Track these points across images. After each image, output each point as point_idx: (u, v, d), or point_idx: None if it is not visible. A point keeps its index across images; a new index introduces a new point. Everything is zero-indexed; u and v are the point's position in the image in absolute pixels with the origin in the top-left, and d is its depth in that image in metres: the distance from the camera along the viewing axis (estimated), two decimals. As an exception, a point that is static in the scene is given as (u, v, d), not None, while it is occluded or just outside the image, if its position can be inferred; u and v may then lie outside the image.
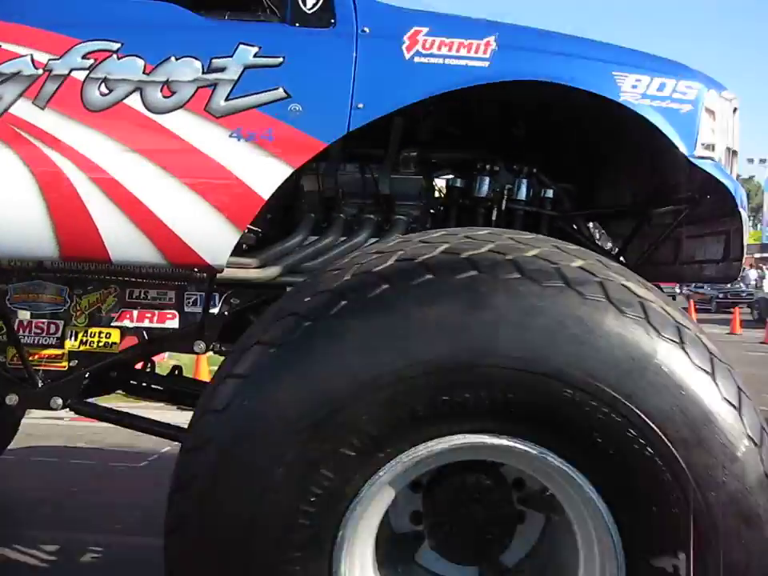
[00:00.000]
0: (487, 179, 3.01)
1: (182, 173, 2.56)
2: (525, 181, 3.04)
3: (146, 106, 2.53)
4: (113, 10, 2.63)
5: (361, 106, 2.57)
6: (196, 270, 2.81)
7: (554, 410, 1.84)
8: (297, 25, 2.61)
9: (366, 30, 2.61)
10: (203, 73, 2.53)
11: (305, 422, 1.86)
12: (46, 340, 3.05)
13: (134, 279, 3.04)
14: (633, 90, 2.63)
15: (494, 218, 3.03)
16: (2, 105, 2.49)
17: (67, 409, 3.16)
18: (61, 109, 2.52)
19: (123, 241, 2.59)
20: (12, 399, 2.98)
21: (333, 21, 2.62)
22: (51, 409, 3.10)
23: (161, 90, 2.52)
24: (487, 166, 3.02)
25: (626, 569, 1.88)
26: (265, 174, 2.57)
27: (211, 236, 2.60)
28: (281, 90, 2.55)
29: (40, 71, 2.49)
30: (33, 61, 2.50)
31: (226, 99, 2.54)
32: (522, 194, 3.04)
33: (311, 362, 1.90)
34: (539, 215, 3.09)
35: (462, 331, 1.86)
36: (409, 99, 2.59)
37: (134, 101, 2.53)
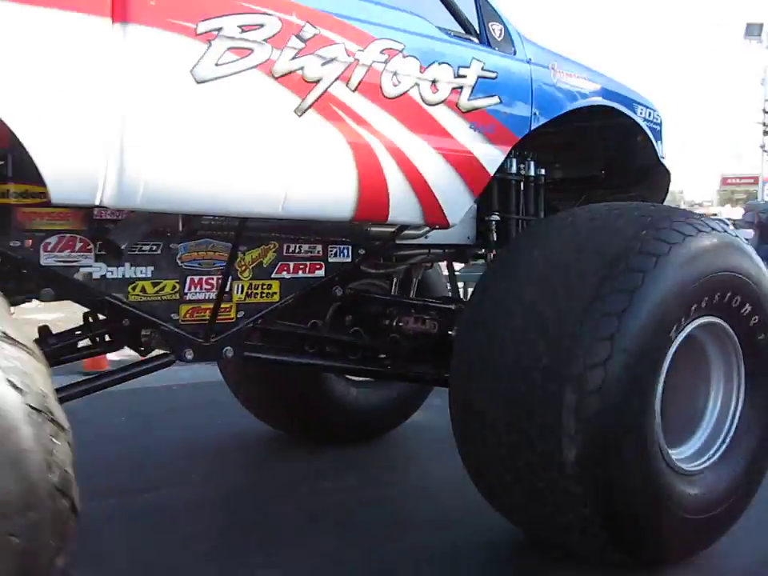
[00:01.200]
0: (532, 162, 4.17)
1: (444, 151, 3.34)
2: (533, 162, 4.21)
3: (421, 99, 3.25)
4: (398, 17, 3.25)
5: (536, 112, 3.66)
6: (432, 227, 3.57)
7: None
8: (495, 50, 3.57)
9: (531, 58, 3.71)
10: (454, 77, 3.34)
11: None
12: (214, 295, 3.37)
13: (291, 236, 3.58)
14: (641, 116, 4.21)
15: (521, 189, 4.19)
16: (322, 85, 2.96)
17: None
18: (366, 94, 3.08)
19: (402, 203, 3.25)
20: (189, 353, 3.25)
21: (514, 49, 3.65)
22: (223, 359, 3.46)
23: (430, 87, 3.27)
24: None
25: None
26: (491, 156, 3.50)
27: (455, 199, 3.43)
28: (496, 97, 3.50)
29: (351, 59, 3.02)
30: (345, 50, 3.02)
31: (468, 99, 3.39)
32: (532, 171, 4.22)
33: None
34: (538, 186, 4.33)
35: (715, 255, 3.09)
36: (558, 111, 3.77)
37: (414, 93, 3.22)
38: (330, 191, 3.08)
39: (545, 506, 2.95)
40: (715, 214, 49.59)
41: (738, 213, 41.68)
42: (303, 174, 2.97)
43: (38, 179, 2.33)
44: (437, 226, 3.59)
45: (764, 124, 32.67)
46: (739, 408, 3.40)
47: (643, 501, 2.93)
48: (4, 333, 1.67)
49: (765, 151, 34.91)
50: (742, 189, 57.31)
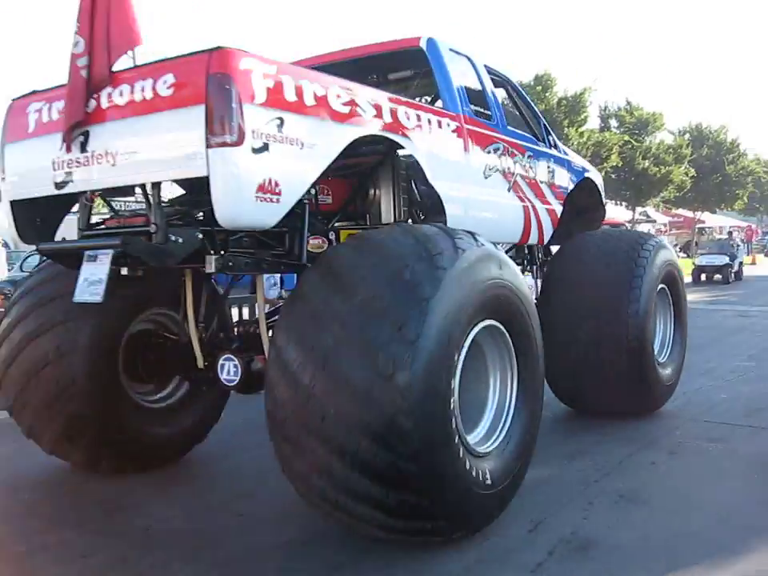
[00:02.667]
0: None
1: (547, 205, 7.17)
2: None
3: (545, 182, 6.98)
4: (524, 137, 6.84)
5: (572, 182, 7.91)
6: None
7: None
8: (553, 150, 7.45)
9: (563, 150, 7.84)
10: (547, 169, 7.06)
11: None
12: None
13: None
14: (588, 174, 8.14)
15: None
16: (514, 176, 6.50)
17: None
18: (526, 179, 6.68)
19: (534, 233, 6.92)
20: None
21: (559, 148, 7.45)
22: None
23: (541, 174, 6.82)
24: None
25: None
26: (558, 207, 7.45)
27: (549, 230, 7.12)
28: (558, 175, 7.40)
29: (522, 162, 6.58)
30: (520, 157, 6.65)
31: (550, 179, 7.18)
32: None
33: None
34: None
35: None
36: (578, 179, 8.17)
37: (539, 177, 6.93)
38: (517, 227, 6.65)
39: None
40: None
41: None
42: (509, 219, 6.52)
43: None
44: (539, 245, 7.15)
45: None
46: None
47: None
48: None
49: None
50: None
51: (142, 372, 5.93)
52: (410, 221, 5.87)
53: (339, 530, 4.52)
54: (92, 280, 4.66)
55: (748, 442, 6.81)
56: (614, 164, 34.28)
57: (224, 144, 4.05)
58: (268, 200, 4.25)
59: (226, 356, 5.33)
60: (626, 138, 37.33)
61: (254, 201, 4.19)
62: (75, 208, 5.17)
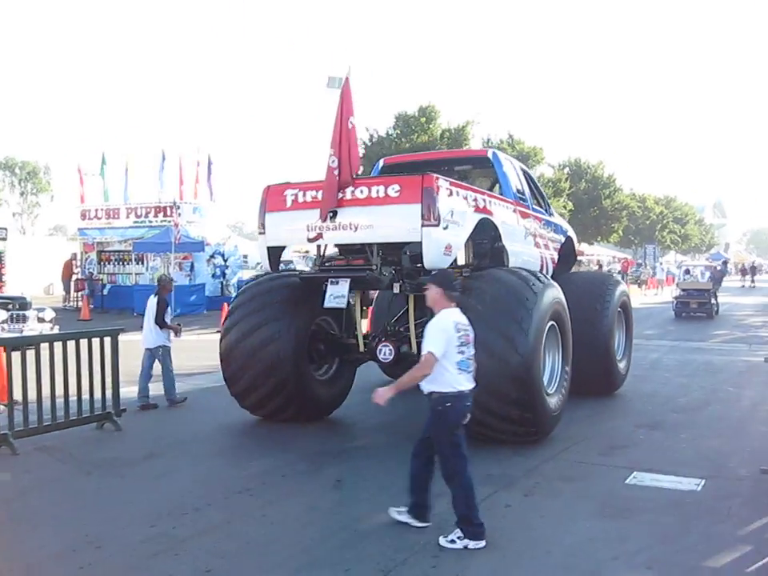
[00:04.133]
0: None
1: (552, 255, 10.31)
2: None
3: (547, 236, 9.70)
4: (540, 210, 10.00)
5: (563, 238, 10.93)
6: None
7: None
8: (550, 215, 10.42)
9: (552, 213, 10.90)
10: (552, 230, 10.06)
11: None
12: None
13: None
14: (569, 233, 11.49)
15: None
16: (531, 231, 9.33)
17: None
18: (537, 234, 9.44)
19: (546, 271, 9.94)
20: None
21: (551, 212, 10.40)
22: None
23: (548, 233, 10.04)
24: None
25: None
26: (556, 256, 10.91)
27: (550, 269, 10.68)
28: (556, 233, 10.38)
29: (536, 224, 9.63)
30: (535, 221, 9.79)
31: (554, 234, 10.22)
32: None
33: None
34: None
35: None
36: (565, 236, 11.01)
37: (547, 234, 9.88)
38: (537, 268, 9.49)
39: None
40: (308, 251, 55.43)
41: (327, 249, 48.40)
42: (534, 263, 10.68)
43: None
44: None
45: None
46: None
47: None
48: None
49: None
50: None
51: (314, 356, 10.18)
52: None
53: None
54: (336, 295, 8.96)
55: (601, 482, 7.56)
56: (497, 195, 37.00)
57: (430, 225, 8.35)
58: (447, 254, 8.62)
59: (384, 343, 9.36)
60: None
61: (442, 255, 8.56)
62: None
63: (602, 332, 11.44)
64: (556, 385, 9.41)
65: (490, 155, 10.99)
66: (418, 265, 8.88)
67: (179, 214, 27.45)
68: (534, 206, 10.75)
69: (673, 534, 6.21)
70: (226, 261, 29.97)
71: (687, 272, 41.06)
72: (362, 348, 10.13)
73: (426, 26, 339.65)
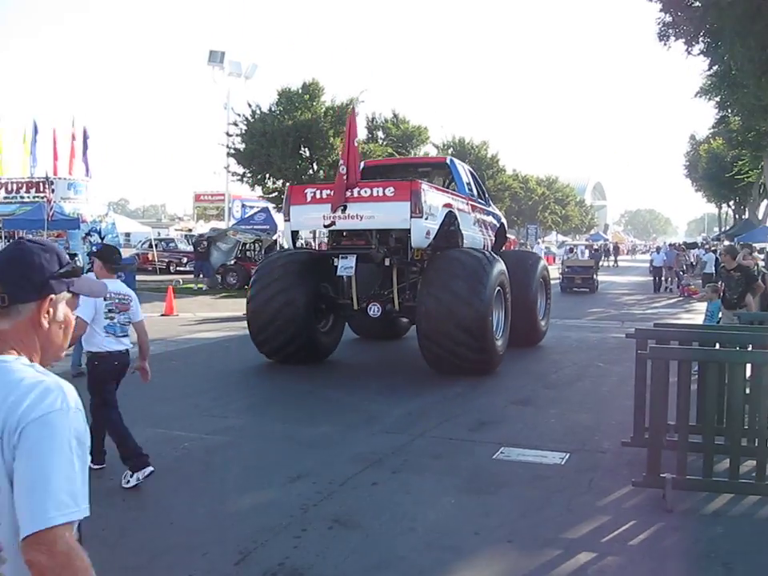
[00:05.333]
0: None
1: (490, 232, 13.16)
2: None
3: (486, 220, 12.52)
4: (481, 202, 12.47)
5: (495, 221, 14.17)
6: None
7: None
8: (488, 205, 13.21)
9: (491, 204, 13.77)
10: (492, 215, 12.88)
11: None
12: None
13: None
14: (502, 220, 14.86)
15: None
16: (477, 218, 12.45)
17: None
18: (481, 218, 12.92)
19: (487, 245, 15.01)
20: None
21: (490, 204, 13.52)
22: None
23: (488, 217, 12.56)
24: None
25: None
26: (493, 235, 14.39)
27: (490, 244, 15.27)
28: (493, 219, 13.47)
29: (477, 212, 14.43)
30: (477, 210, 14.47)
31: (491, 219, 12.76)
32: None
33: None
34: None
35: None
36: (500, 222, 14.43)
37: (486, 219, 12.91)
38: (480, 244, 14.27)
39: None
40: (191, 229, 54.34)
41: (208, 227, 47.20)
42: (480, 244, 14.23)
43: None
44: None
45: (227, 146, 34.49)
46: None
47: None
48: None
49: (228, 171, 36.19)
50: (214, 205, 60.39)
51: (318, 313, 13.44)
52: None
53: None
54: (346, 266, 12.19)
55: (468, 458, 7.62)
56: (379, 175, 36.69)
57: (417, 216, 11.64)
58: (427, 238, 12.03)
59: (373, 303, 12.77)
60: (390, 150, 39.29)
61: (424, 238, 11.95)
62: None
63: (530, 297, 14.81)
64: (501, 332, 12.84)
65: (448, 161, 14.88)
66: (398, 246, 12.60)
67: (53, 190, 26.41)
68: (478, 200, 14.43)
69: (535, 508, 6.33)
70: (103, 239, 28.83)
71: (571, 250, 45.91)
72: (355, 307, 13.22)
73: (312, 1, 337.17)
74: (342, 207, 11.91)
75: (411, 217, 11.57)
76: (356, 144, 12.14)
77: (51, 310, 2.08)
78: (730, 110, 38.90)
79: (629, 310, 25.25)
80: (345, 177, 11.84)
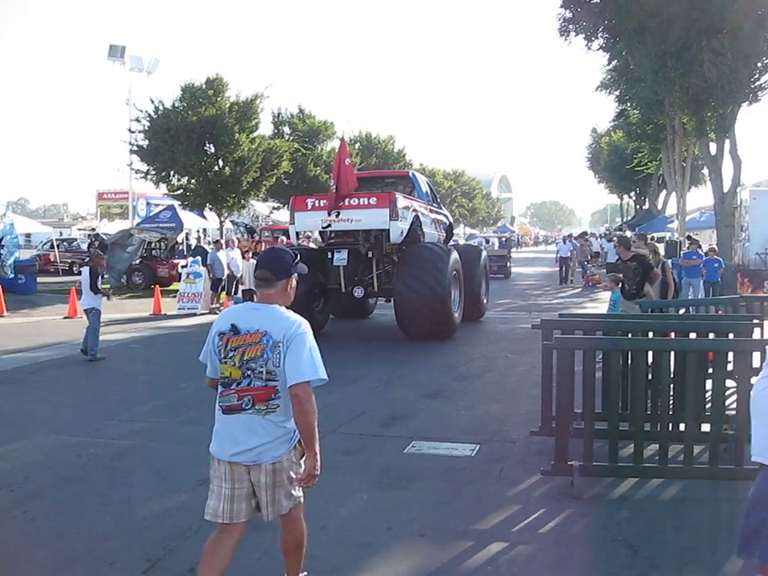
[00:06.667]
0: None
1: (439, 229, 18.42)
2: None
3: (437, 219, 17.16)
4: (434, 205, 15.94)
5: (451, 221, 17.17)
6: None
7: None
8: (440, 207, 17.33)
9: (441, 207, 15.97)
10: (442, 214, 20.18)
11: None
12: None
13: None
14: (450, 220, 19.75)
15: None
16: (433, 218, 16.58)
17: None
18: (435, 218, 19.09)
19: (440, 239, 19.87)
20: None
21: (439, 205, 17.36)
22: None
23: (438, 216, 16.80)
24: None
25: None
26: (443, 233, 20.28)
27: (441, 238, 19.99)
28: (443, 218, 19.17)
29: (432, 213, 18.97)
30: (431, 211, 18.90)
31: (442, 218, 18.09)
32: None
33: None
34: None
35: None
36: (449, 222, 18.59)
37: (438, 218, 17.72)
38: (435, 240, 18.76)
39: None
40: (94, 228, 53.13)
41: (115, 227, 46.32)
42: (435, 239, 18.72)
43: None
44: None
45: (130, 143, 33.69)
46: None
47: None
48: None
49: (132, 169, 35.34)
50: (118, 204, 58.08)
51: (313, 296, 16.67)
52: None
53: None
54: (340, 258, 16.24)
55: (380, 453, 7.66)
56: (286, 170, 36.36)
57: (394, 219, 15.50)
58: (401, 235, 16.02)
59: (357, 286, 16.44)
60: (296, 145, 39.37)
61: (399, 236, 15.90)
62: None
63: (475, 280, 18.71)
64: (457, 306, 16.81)
65: (410, 175, 19.50)
66: (377, 241, 16.51)
67: (-56, 190, 25.30)
68: (433, 203, 19.29)
69: (446, 500, 6.38)
70: (0, 240, 27.81)
71: (487, 242, 51.26)
72: (343, 290, 16.66)
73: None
74: (337, 213, 15.59)
75: (390, 220, 15.38)
76: (347, 163, 15.82)
77: (291, 282, 4.32)
78: (629, 104, 40.31)
79: (536, 301, 25.78)
80: (334, 193, 15.55)
